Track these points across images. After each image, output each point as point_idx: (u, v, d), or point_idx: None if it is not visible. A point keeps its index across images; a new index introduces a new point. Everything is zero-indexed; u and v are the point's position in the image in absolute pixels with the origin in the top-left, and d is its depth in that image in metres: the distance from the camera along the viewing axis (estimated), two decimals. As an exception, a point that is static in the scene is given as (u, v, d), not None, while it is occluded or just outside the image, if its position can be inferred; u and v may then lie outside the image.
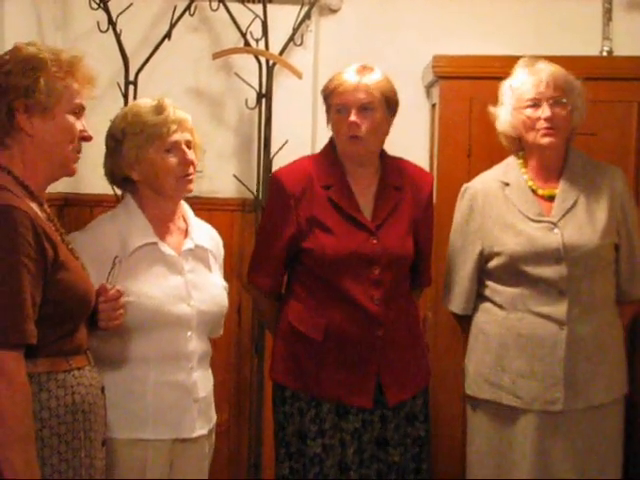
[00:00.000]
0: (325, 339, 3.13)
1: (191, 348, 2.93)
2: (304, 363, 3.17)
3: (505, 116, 3.34)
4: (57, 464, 2.38)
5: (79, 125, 2.50)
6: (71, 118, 2.48)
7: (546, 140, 3.25)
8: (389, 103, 3.18)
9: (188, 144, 2.97)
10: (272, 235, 3.21)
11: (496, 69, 3.53)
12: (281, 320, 3.26)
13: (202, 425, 2.98)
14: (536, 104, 3.25)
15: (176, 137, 2.94)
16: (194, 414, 2.94)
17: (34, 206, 2.42)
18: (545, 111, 3.23)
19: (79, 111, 2.51)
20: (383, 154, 3.25)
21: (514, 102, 3.30)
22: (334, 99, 3.16)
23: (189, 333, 2.93)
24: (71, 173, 2.55)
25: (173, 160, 2.93)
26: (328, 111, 3.22)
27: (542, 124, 3.24)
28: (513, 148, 3.41)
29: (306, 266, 3.18)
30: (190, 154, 2.96)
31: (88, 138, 2.54)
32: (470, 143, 3.81)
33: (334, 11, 4.30)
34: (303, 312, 3.18)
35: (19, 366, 2.28)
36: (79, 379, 2.45)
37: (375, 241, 3.14)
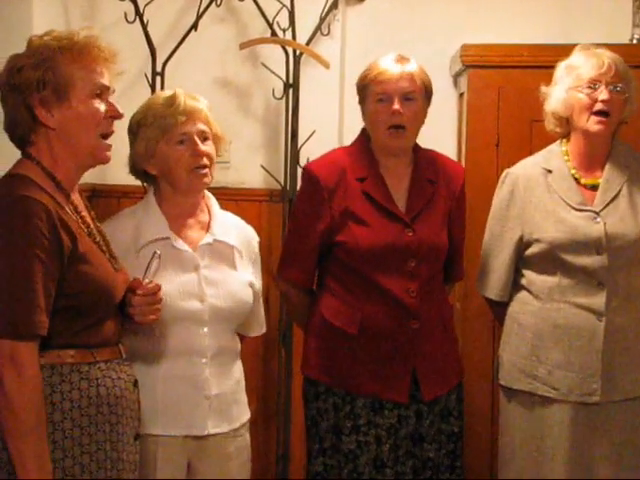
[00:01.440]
0: (360, 333, 3.10)
1: (205, 344, 2.90)
2: (339, 358, 3.14)
3: (559, 94, 3.26)
4: (79, 456, 2.37)
5: (103, 106, 2.46)
6: (93, 101, 2.44)
7: (597, 127, 3.19)
8: (427, 92, 3.16)
9: (202, 135, 2.92)
10: (305, 228, 3.18)
11: (525, 58, 3.51)
12: (314, 315, 3.22)
13: (217, 424, 2.93)
14: (595, 86, 3.19)
15: (186, 128, 2.90)
16: (205, 411, 2.90)
17: (59, 197, 2.41)
18: (604, 93, 3.17)
19: (102, 91, 2.46)
20: (415, 146, 3.23)
21: (571, 81, 3.23)
22: (374, 88, 3.11)
23: (204, 329, 2.90)
24: (104, 161, 2.51)
25: (184, 152, 2.89)
26: (363, 101, 3.17)
27: (599, 106, 3.17)
28: (558, 131, 3.33)
29: (340, 259, 3.15)
30: (202, 145, 2.91)
31: (118, 115, 2.50)
32: (498, 132, 3.78)
33: (361, 0, 4.28)
34: (337, 306, 3.15)
35: (30, 357, 2.28)
36: (105, 372, 2.44)
37: (410, 233, 3.11)
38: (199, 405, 2.90)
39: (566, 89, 3.24)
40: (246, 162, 4.23)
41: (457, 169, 3.33)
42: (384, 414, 3.12)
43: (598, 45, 3.32)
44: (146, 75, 4.03)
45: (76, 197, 2.52)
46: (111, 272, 2.51)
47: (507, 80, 3.70)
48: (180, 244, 2.91)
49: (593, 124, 3.20)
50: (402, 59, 3.14)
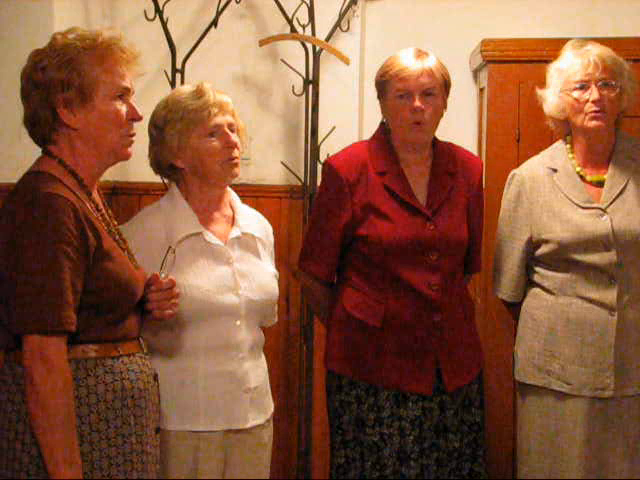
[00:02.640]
0: (383, 326, 3.11)
1: (241, 337, 2.92)
2: (362, 351, 3.15)
3: (552, 99, 3.31)
4: (106, 449, 2.39)
5: (125, 107, 2.48)
6: (115, 103, 2.46)
7: (593, 123, 3.21)
8: (447, 85, 3.17)
9: (231, 127, 2.94)
10: (327, 222, 3.19)
11: (545, 52, 3.50)
12: (336, 308, 3.23)
13: (256, 415, 2.96)
14: (584, 86, 3.21)
15: (218, 120, 2.91)
16: (246, 404, 2.92)
17: (82, 195, 2.43)
18: (594, 93, 3.19)
19: (124, 93, 2.48)
20: (433, 139, 3.23)
21: (561, 84, 3.26)
22: (395, 84, 3.11)
23: (238, 322, 2.91)
24: (125, 157, 2.53)
25: (216, 144, 2.90)
26: (383, 96, 3.18)
27: (590, 107, 3.20)
28: (561, 132, 3.37)
29: (361, 253, 3.16)
30: (234, 137, 2.93)
31: (138, 118, 2.52)
32: (519, 127, 3.79)
33: (380, -4, 4.29)
34: (360, 299, 3.16)
35: (59, 352, 2.30)
36: (128, 365, 2.46)
37: (432, 227, 3.12)
38: (240, 399, 2.91)
39: (557, 93, 3.27)
40: (266, 158, 4.24)
41: (475, 161, 3.33)
42: (408, 406, 3.13)
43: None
44: (166, 72, 4.04)
45: (96, 195, 2.54)
46: (132, 269, 2.53)
47: (527, 75, 3.69)
48: (212, 238, 2.92)
49: (589, 121, 3.22)
50: (421, 54, 3.14)
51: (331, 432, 3.25)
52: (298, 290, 4.02)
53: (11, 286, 2.30)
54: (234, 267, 2.93)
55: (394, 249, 3.09)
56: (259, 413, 2.98)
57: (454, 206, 3.18)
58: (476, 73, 4.17)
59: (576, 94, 3.22)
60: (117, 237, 2.54)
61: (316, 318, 4.07)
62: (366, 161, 3.16)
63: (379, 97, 3.21)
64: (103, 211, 2.53)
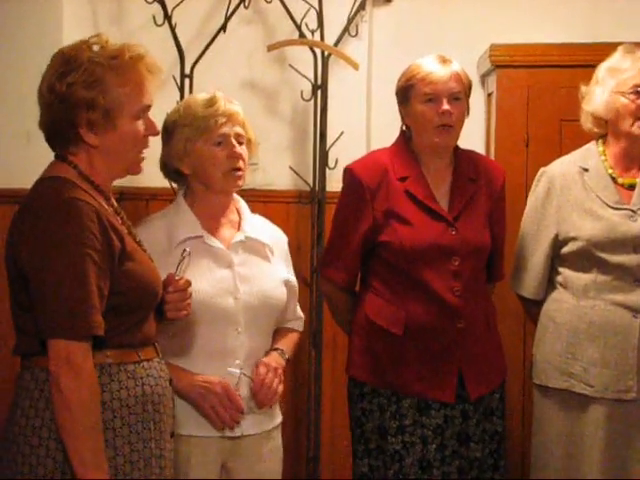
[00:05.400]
0: (405, 333, 3.10)
1: (238, 344, 2.91)
2: (384, 358, 3.14)
3: (601, 96, 3.26)
4: (129, 454, 2.39)
5: (143, 126, 2.47)
6: (137, 123, 2.45)
7: None
8: (469, 92, 3.19)
9: (238, 138, 2.95)
10: (348, 229, 3.18)
11: (554, 57, 3.51)
12: (357, 315, 3.22)
13: (251, 425, 2.93)
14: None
15: (225, 130, 2.93)
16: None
17: (100, 199, 2.43)
18: None
19: (145, 110, 2.48)
20: (455, 146, 3.23)
21: (615, 84, 3.22)
22: (423, 88, 3.11)
23: (238, 329, 2.90)
24: (137, 172, 2.55)
25: (221, 153, 2.92)
26: (406, 102, 3.17)
27: None
28: (597, 132, 3.33)
29: (383, 259, 3.15)
30: (239, 148, 2.94)
31: (155, 134, 2.53)
32: (528, 132, 3.78)
33: (388, 1, 4.28)
34: (382, 306, 3.15)
35: (86, 357, 2.29)
36: (148, 370, 2.46)
37: (454, 232, 3.11)
38: None
39: (609, 92, 3.24)
40: (274, 163, 4.23)
41: (498, 169, 3.32)
42: (430, 414, 3.12)
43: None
44: (174, 77, 4.04)
45: (113, 200, 2.55)
46: (155, 270, 2.54)
47: (536, 80, 3.69)
48: (213, 241, 2.93)
49: (638, 129, 3.20)
50: (445, 60, 3.15)
51: (353, 440, 3.24)
52: (307, 296, 4.01)
53: (36, 291, 2.30)
54: (235, 271, 2.93)
55: (416, 254, 3.08)
56: (255, 423, 2.95)
57: (476, 212, 3.18)
58: (484, 78, 4.16)
59: (631, 97, 3.19)
60: (137, 239, 2.55)
61: (325, 324, 4.08)
62: (387, 167, 3.16)
63: (402, 103, 3.19)
64: (122, 214, 2.54)
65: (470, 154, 3.28)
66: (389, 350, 3.13)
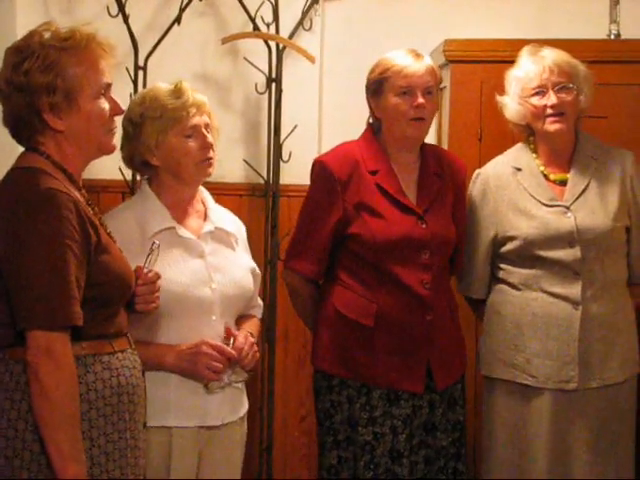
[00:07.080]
0: (376, 325, 3.13)
1: (213, 332, 2.91)
2: (353, 350, 3.16)
3: (512, 105, 3.36)
4: (104, 445, 2.39)
5: (107, 104, 2.47)
6: (99, 102, 2.45)
7: (554, 127, 3.27)
8: (439, 86, 3.24)
9: (207, 127, 2.97)
10: (317, 221, 3.20)
11: (507, 53, 3.54)
12: (325, 308, 3.24)
13: (229, 412, 2.96)
14: (542, 92, 3.27)
15: (196, 120, 2.94)
16: (219, 401, 2.92)
17: (74, 190, 2.42)
18: (551, 98, 3.25)
19: (106, 89, 2.48)
20: None
21: (519, 91, 3.32)
22: (398, 81, 3.15)
23: (214, 317, 2.92)
24: (110, 151, 2.54)
25: (193, 144, 2.93)
26: (379, 95, 3.20)
27: (549, 111, 3.26)
28: (524, 135, 3.43)
29: (351, 251, 3.17)
30: (210, 137, 2.96)
31: (120, 112, 2.54)
32: (481, 127, 3.82)
33: (341, -6, 4.30)
34: (351, 298, 3.18)
35: (65, 348, 2.29)
36: (123, 361, 2.46)
37: (424, 226, 3.15)
38: (214, 395, 2.91)
39: (517, 100, 3.33)
40: (227, 156, 4.17)
41: (460, 163, 3.38)
42: (400, 405, 3.16)
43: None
44: (127, 69, 4.01)
45: (84, 190, 2.54)
46: (127, 262, 2.55)
47: (489, 75, 3.72)
48: (185, 232, 2.93)
49: (550, 125, 3.28)
50: (418, 54, 3.20)
51: (320, 433, 3.26)
52: (261, 289, 4.01)
53: (14, 282, 2.28)
54: (207, 261, 2.94)
55: (387, 247, 3.11)
56: (232, 411, 2.98)
57: (442, 206, 3.22)
58: (436, 73, 4.19)
59: (534, 100, 3.28)
60: (107, 231, 2.54)
61: (278, 317, 4.09)
62: (358, 160, 3.19)
63: (373, 95, 3.23)
64: (93, 205, 2.53)
65: (435, 149, 3.33)
66: (359, 342, 3.16)
